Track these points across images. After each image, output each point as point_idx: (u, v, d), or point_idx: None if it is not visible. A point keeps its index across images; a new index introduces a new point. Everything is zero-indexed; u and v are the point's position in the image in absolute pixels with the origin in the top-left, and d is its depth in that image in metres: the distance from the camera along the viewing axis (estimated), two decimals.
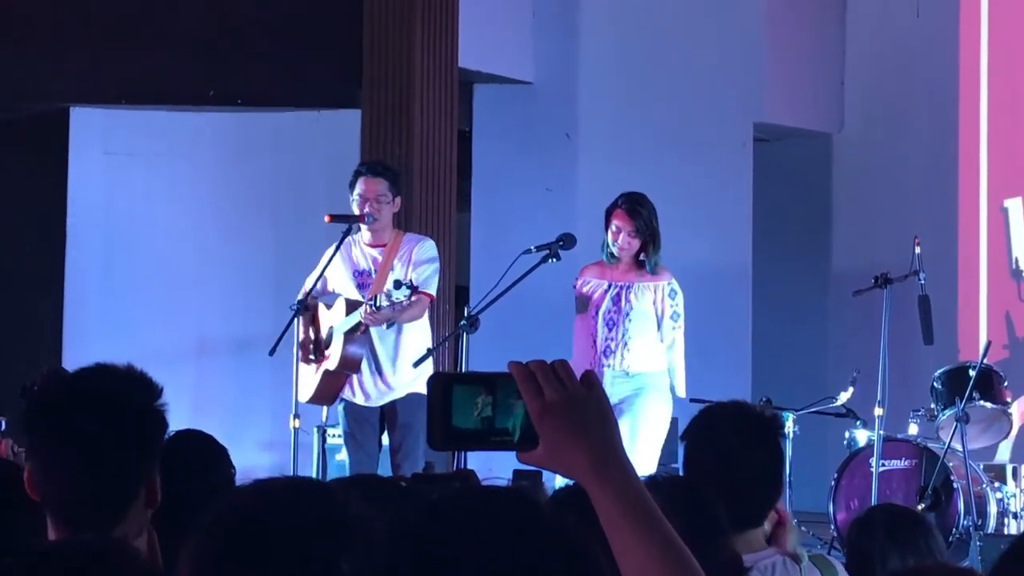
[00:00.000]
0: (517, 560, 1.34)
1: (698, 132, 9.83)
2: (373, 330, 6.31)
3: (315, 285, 6.45)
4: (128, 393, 2.28)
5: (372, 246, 6.43)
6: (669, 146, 9.79)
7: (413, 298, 6.04)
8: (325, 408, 6.71)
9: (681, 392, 6.67)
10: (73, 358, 8.30)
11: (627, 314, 6.61)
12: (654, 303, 6.63)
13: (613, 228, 6.61)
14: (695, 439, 3.17)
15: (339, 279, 6.45)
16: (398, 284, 6.00)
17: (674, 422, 6.74)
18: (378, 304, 6.04)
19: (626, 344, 6.59)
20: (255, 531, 1.77)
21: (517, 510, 1.39)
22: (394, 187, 6.43)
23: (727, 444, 3.10)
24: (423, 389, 5.96)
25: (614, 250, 6.60)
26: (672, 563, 1.61)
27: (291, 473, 6.28)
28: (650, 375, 6.59)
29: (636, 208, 6.57)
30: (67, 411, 2.27)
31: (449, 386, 1.69)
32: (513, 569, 1.32)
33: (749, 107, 9.98)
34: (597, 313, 6.64)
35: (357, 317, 6.19)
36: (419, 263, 6.37)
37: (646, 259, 6.59)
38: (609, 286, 6.66)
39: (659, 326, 6.62)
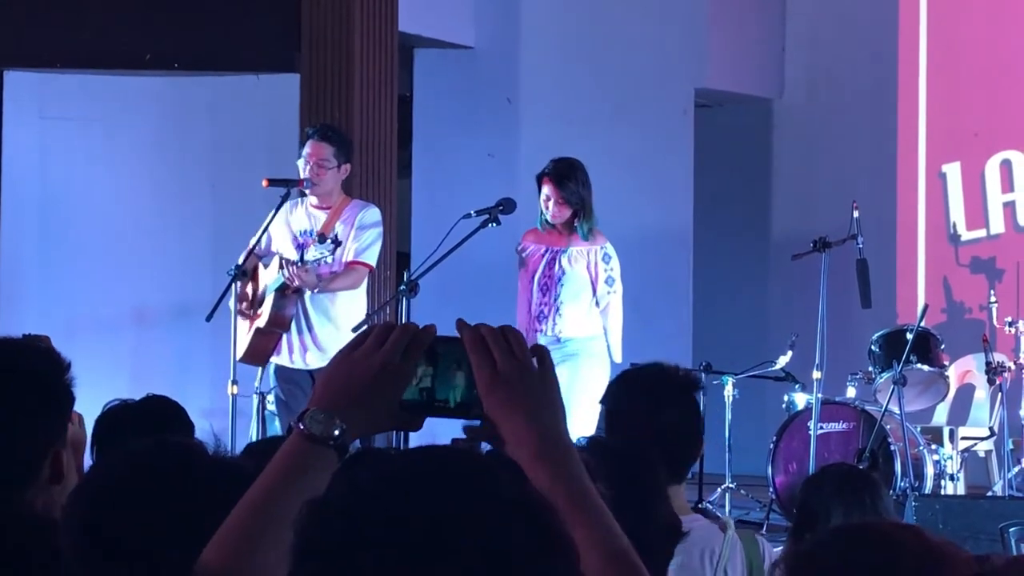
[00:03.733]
0: (471, 526, 1.25)
1: (640, 98, 9.82)
2: (306, 292, 6.29)
3: (257, 243, 6.41)
4: (27, 366, 2.21)
5: (317, 208, 6.41)
6: (610, 112, 9.77)
7: (342, 265, 6.04)
8: (260, 371, 6.68)
9: (617, 357, 6.68)
10: (8, 325, 8.18)
11: (559, 279, 6.63)
12: (588, 267, 6.64)
13: (544, 195, 6.64)
14: (612, 399, 3.24)
15: (281, 239, 6.44)
16: (322, 238, 6.00)
17: None
18: (301, 260, 6.05)
19: (558, 309, 6.61)
20: (120, 491, 1.76)
21: (472, 472, 1.30)
22: (341, 154, 6.40)
23: (642, 402, 3.16)
24: None
25: (547, 216, 6.64)
26: (608, 550, 1.56)
27: (229, 440, 6.25)
28: (582, 340, 6.60)
29: (563, 179, 6.59)
30: None
31: None
32: (469, 537, 1.23)
33: (691, 73, 9.98)
34: (533, 278, 6.67)
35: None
36: (362, 228, 6.34)
37: (578, 225, 6.60)
38: (546, 251, 6.68)
39: (594, 291, 6.63)
